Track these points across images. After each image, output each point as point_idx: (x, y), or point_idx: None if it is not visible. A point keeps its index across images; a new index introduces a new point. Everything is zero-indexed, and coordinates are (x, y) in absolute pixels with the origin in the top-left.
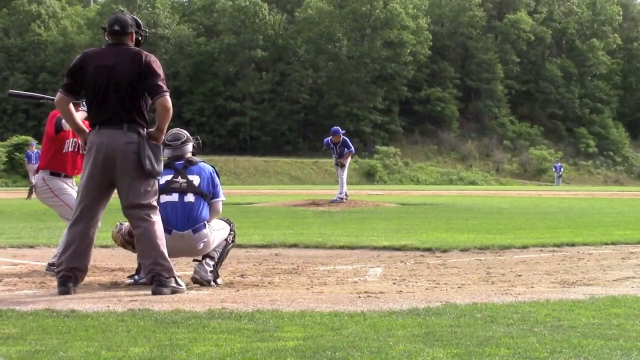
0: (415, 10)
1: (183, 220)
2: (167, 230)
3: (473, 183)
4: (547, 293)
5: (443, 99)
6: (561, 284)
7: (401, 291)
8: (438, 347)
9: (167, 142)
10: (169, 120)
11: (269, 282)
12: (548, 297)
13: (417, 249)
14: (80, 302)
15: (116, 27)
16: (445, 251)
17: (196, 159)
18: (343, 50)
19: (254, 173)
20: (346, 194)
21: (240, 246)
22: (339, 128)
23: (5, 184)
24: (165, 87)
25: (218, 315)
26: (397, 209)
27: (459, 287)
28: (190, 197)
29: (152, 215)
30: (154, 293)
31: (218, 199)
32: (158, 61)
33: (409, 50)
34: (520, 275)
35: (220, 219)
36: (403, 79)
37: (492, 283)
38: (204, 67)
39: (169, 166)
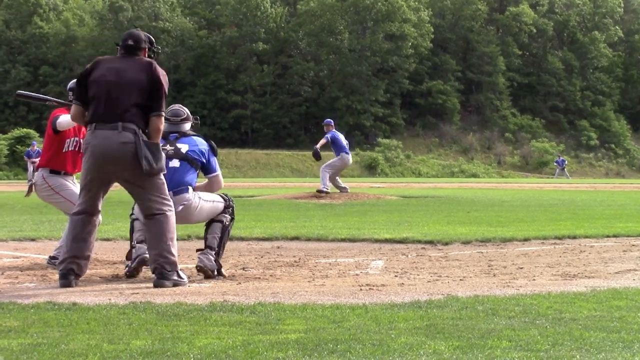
0: (416, 3)
1: None
2: None
3: (474, 176)
4: (549, 286)
5: (444, 91)
6: (563, 277)
7: (403, 284)
8: (440, 340)
9: (166, 117)
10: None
11: (271, 275)
12: (549, 289)
13: (419, 241)
14: (81, 295)
15: (130, 42)
16: (446, 244)
17: (191, 132)
18: (344, 43)
19: (255, 166)
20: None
21: (242, 239)
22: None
23: (6, 176)
24: (163, 107)
25: (220, 308)
26: (399, 201)
27: (460, 280)
28: (175, 163)
29: (164, 208)
30: (155, 286)
31: (214, 173)
32: (166, 76)
33: (410, 43)
34: (521, 268)
35: (217, 193)
36: (404, 72)
37: (494, 275)
38: (205, 59)
39: (162, 136)
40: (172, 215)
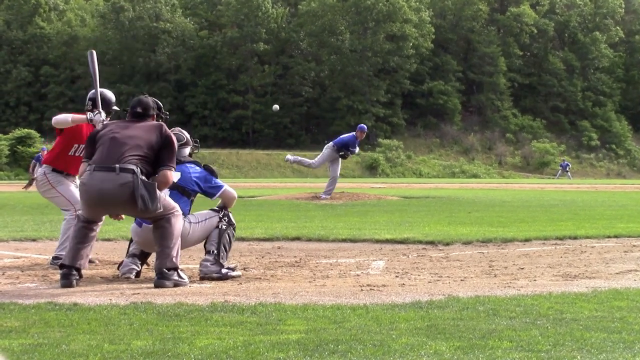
0: (417, 3)
1: None
2: (139, 224)
3: (475, 176)
4: (550, 286)
5: (445, 92)
6: (564, 277)
7: (404, 284)
8: (441, 340)
9: None
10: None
11: (272, 275)
12: (550, 290)
13: (420, 242)
14: (82, 295)
15: (138, 109)
16: (447, 244)
17: (188, 159)
18: (346, 43)
19: (256, 166)
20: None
21: (242, 239)
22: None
23: (7, 177)
24: (173, 164)
25: (220, 309)
26: (400, 202)
27: (461, 280)
28: (165, 192)
29: (170, 217)
30: (156, 286)
31: (219, 192)
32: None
33: (411, 44)
34: (522, 268)
35: (211, 209)
36: (405, 72)
37: (495, 276)
38: (206, 60)
39: None
40: (179, 216)
